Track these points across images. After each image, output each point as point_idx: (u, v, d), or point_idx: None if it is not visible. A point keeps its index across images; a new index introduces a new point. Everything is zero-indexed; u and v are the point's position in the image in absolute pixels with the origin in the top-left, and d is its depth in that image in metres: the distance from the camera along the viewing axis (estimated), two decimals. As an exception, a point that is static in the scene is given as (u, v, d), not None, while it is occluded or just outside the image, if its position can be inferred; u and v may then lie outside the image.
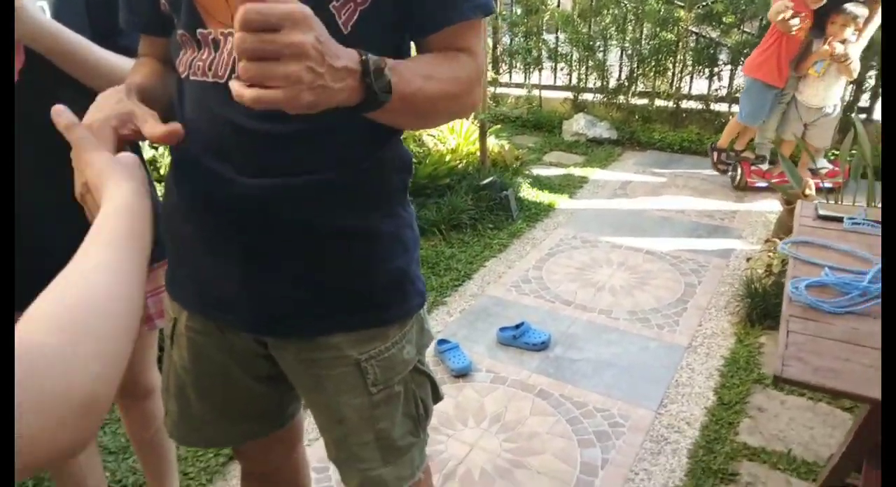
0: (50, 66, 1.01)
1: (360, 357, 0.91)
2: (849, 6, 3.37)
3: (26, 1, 0.96)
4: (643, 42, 4.93)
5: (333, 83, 0.61)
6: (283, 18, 0.56)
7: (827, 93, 3.56)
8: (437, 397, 1.05)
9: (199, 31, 0.79)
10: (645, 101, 5.05)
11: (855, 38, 3.43)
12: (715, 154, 4.17)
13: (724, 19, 4.54)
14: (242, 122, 0.79)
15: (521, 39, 5.46)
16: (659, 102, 5.00)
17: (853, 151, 2.92)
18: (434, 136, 3.96)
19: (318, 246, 0.86)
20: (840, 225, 1.58)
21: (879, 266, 1.33)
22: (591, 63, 5.18)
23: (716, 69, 4.78)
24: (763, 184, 3.89)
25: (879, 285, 1.27)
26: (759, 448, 1.93)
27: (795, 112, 3.68)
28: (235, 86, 0.59)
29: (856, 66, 3.44)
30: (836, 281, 1.30)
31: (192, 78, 0.82)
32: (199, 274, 0.92)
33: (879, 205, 2.35)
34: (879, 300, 1.24)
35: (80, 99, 0.90)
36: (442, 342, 2.43)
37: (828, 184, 3.36)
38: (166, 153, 2.70)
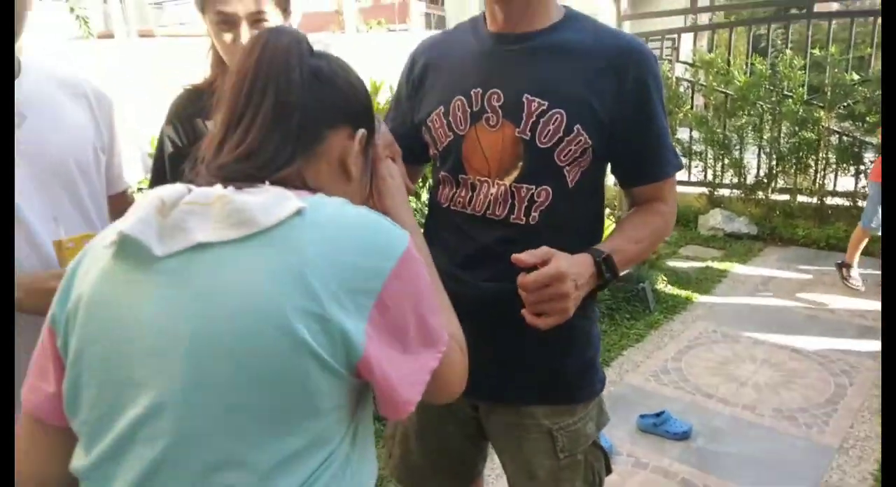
0: None
1: (552, 426, 1.15)
2: None
3: None
4: (782, 140, 4.99)
5: (583, 291, 0.98)
6: (545, 280, 0.92)
7: None
8: (609, 470, 1.25)
9: (460, 175, 1.14)
10: (786, 197, 5.03)
11: None
12: (843, 270, 3.95)
13: (867, 118, 4.53)
14: (484, 242, 1.12)
15: (655, 138, 5.69)
16: (802, 198, 4.96)
17: None
18: (572, 230, 4.22)
19: (529, 337, 1.05)
20: None
21: None
22: (726, 160, 5.28)
23: (862, 166, 4.71)
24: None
25: None
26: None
27: None
28: (528, 317, 0.95)
29: None
30: None
31: (451, 208, 1.15)
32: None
33: None
34: None
35: None
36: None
37: None
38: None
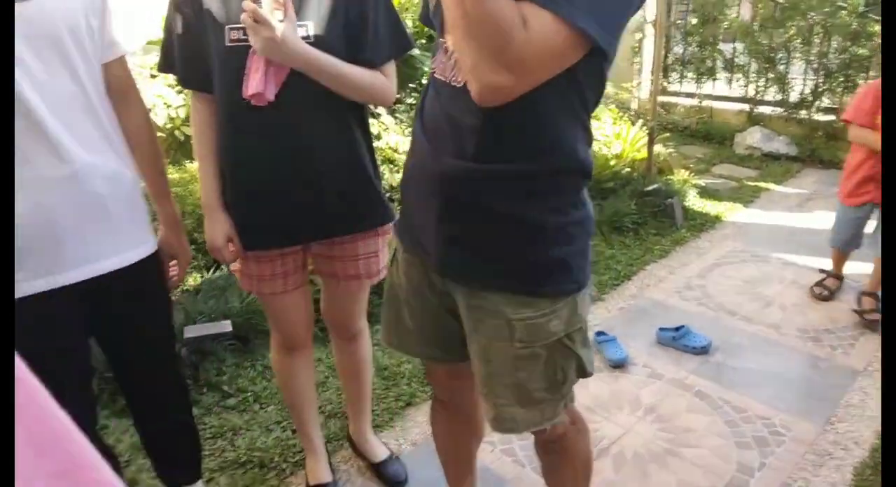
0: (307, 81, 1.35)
1: (511, 315, 1.10)
2: None
3: (290, 35, 1.27)
4: (831, 56, 4.66)
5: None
6: None
7: None
8: (583, 373, 1.19)
9: (440, 40, 1.06)
10: (830, 117, 4.77)
11: None
12: (864, 299, 2.73)
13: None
14: (450, 113, 1.04)
15: (696, 48, 5.37)
16: (847, 120, 4.70)
17: None
18: (599, 141, 4.06)
19: (493, 223, 1.06)
20: None
21: None
22: (770, 75, 4.98)
23: (918, 87, 4.41)
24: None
25: None
26: (936, 478, 1.86)
27: None
28: None
29: None
30: None
31: (435, 76, 1.08)
32: (413, 221, 1.19)
33: None
34: None
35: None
36: (600, 334, 2.55)
37: None
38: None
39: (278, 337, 1.70)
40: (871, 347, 2.51)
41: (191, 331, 2.20)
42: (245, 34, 1.30)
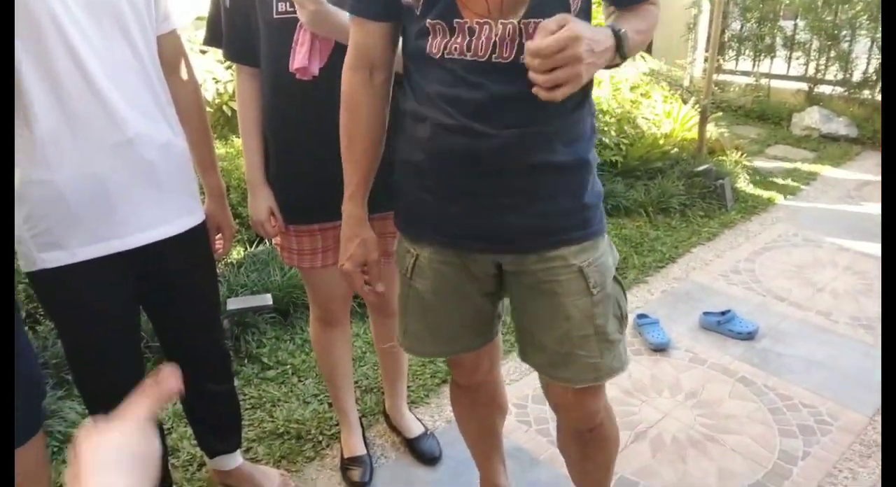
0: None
1: (581, 264, 1.13)
2: None
3: (333, 7, 1.27)
4: (903, 31, 4.39)
5: (599, 60, 0.94)
6: (562, 43, 0.87)
7: None
8: (626, 303, 1.26)
9: (455, 20, 1.01)
10: None
11: None
12: None
13: None
14: (496, 88, 1.03)
15: (754, 24, 5.14)
16: (915, 100, 4.44)
17: None
18: (649, 119, 3.95)
19: (553, 178, 1.10)
20: None
21: None
22: (832, 53, 4.74)
23: None
24: None
25: None
26: None
27: None
28: (542, 94, 0.91)
29: None
30: None
31: (447, 57, 1.04)
32: (448, 212, 1.14)
33: None
34: None
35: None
36: (641, 316, 2.50)
37: None
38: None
39: (317, 311, 1.72)
40: None
41: (233, 304, 2.26)
42: (292, 6, 1.31)
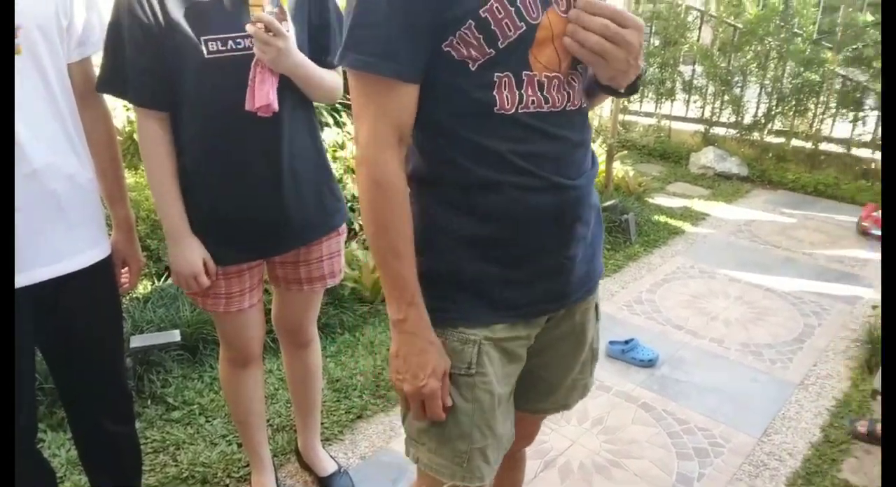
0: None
1: (596, 298, 1.22)
2: None
3: (293, 45, 1.32)
4: (784, 80, 4.85)
5: (637, 65, 0.96)
6: (617, 15, 0.91)
7: None
8: None
9: (524, 73, 0.95)
10: (781, 140, 4.95)
11: None
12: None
13: (874, 63, 4.39)
14: (573, 137, 1.02)
15: (656, 70, 5.52)
16: (796, 142, 4.89)
17: None
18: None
19: (592, 226, 1.11)
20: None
21: None
22: (726, 97, 5.15)
23: (860, 113, 4.61)
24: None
25: None
26: (862, 487, 1.95)
27: None
28: (574, 47, 0.94)
29: None
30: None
31: (521, 111, 0.96)
32: (518, 283, 1.05)
33: None
34: None
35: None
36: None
37: None
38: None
39: (231, 353, 1.66)
40: (808, 361, 2.60)
41: (137, 341, 2.18)
42: (225, 45, 1.31)
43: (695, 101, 5.45)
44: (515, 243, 1.02)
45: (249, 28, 1.28)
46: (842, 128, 4.78)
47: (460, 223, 1.01)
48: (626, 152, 4.98)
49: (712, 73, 5.14)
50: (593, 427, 2.20)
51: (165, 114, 1.37)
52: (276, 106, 1.34)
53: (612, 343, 2.62)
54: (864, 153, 4.66)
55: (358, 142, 0.96)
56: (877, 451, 2.10)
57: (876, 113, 4.58)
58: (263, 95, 1.32)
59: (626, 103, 5.68)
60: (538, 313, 1.10)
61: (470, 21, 0.89)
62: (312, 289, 1.65)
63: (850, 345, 2.70)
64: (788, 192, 4.67)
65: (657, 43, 5.49)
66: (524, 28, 0.92)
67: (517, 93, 0.95)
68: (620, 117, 5.40)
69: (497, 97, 0.94)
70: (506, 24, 0.91)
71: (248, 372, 1.69)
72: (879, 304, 2.86)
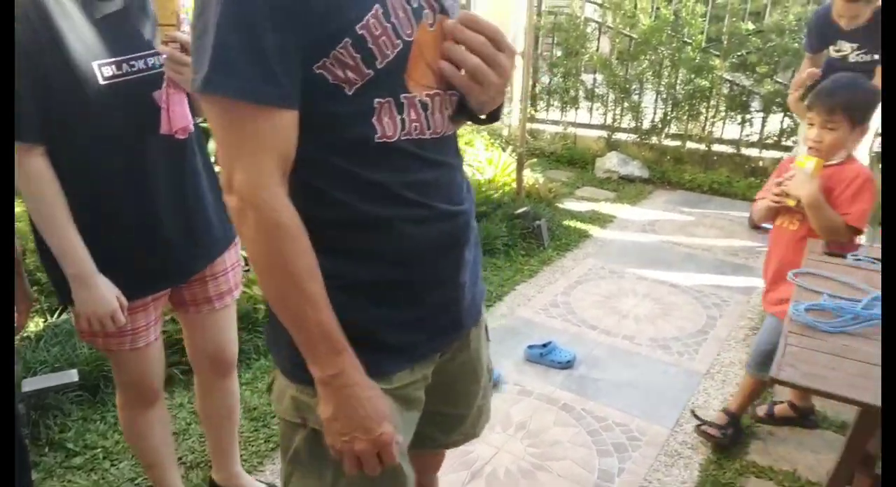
0: None
1: (485, 317, 1.22)
2: None
3: None
4: (678, 87, 5.14)
5: (504, 92, 0.94)
6: (495, 33, 0.87)
7: None
8: None
9: (402, 96, 0.88)
10: (677, 143, 5.24)
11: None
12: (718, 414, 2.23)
13: (757, 69, 4.74)
14: (453, 162, 0.99)
15: (560, 79, 5.72)
16: (691, 145, 5.18)
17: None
18: (473, 166, 4.20)
19: (477, 246, 1.09)
20: (844, 260, 1.74)
21: (873, 295, 1.50)
22: (626, 104, 5.41)
23: (748, 116, 4.96)
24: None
25: (872, 311, 1.43)
26: (766, 466, 2.07)
27: None
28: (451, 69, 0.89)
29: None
30: (833, 305, 1.46)
31: (404, 138, 0.89)
32: (415, 323, 0.99)
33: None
34: (870, 323, 1.40)
35: None
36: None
37: None
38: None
39: (132, 392, 1.56)
40: (712, 351, 2.75)
41: (30, 384, 2.02)
42: (121, 69, 1.26)
43: (597, 109, 5.68)
44: (409, 281, 0.95)
45: (164, 48, 1.22)
46: (731, 130, 5.12)
47: (343, 268, 0.91)
48: (535, 160, 5.12)
49: (612, 82, 5.38)
50: (517, 433, 2.23)
51: (45, 148, 1.26)
52: (192, 126, 1.32)
53: (530, 347, 2.67)
54: (752, 152, 5.00)
55: (233, 185, 0.82)
56: (778, 431, 2.24)
57: (761, 115, 4.93)
58: (181, 117, 1.29)
59: (532, 112, 5.84)
60: (437, 349, 1.05)
61: (346, 39, 0.81)
62: (224, 304, 1.61)
63: (748, 334, 2.88)
64: (686, 192, 4.94)
65: (559, 53, 5.70)
66: (401, 46, 0.86)
67: (398, 118, 0.88)
68: (528, 126, 5.55)
69: (377, 125, 0.87)
70: (383, 41, 0.84)
71: (154, 412, 1.60)
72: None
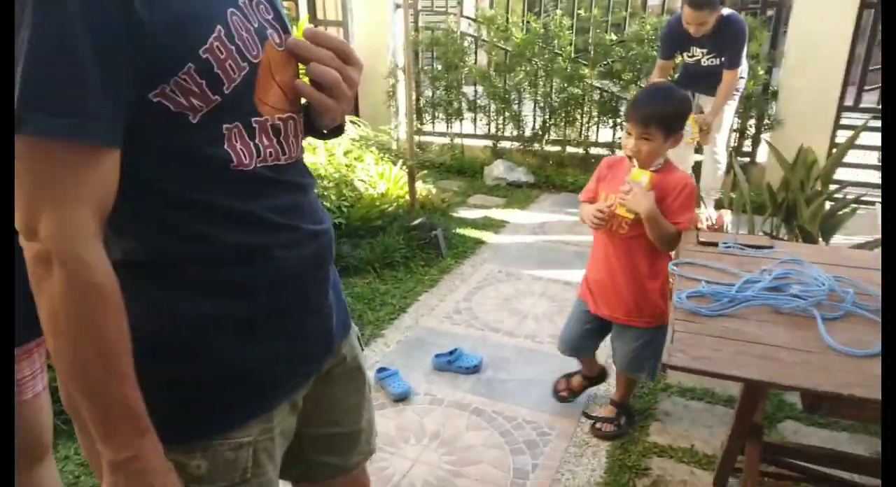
0: None
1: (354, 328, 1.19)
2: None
3: None
4: (553, 95, 5.42)
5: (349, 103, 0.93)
6: (344, 46, 0.88)
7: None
8: None
9: (254, 120, 0.84)
10: (557, 148, 5.51)
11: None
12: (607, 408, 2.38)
13: (622, 76, 5.10)
14: (307, 182, 0.97)
15: (443, 92, 5.85)
16: (570, 149, 5.47)
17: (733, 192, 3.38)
18: (364, 181, 4.19)
19: (334, 267, 1.07)
20: (716, 248, 1.91)
21: (745, 278, 1.65)
22: (507, 114, 5.62)
23: (618, 119, 5.31)
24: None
25: (746, 293, 1.58)
26: (666, 445, 2.21)
27: None
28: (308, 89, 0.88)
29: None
30: (711, 291, 1.60)
31: (260, 165, 0.85)
32: (283, 355, 0.94)
33: (760, 233, 2.76)
34: (745, 304, 1.55)
35: None
36: (381, 370, 2.60)
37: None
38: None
39: (18, 454, 1.37)
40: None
41: None
42: None
43: (481, 119, 5.86)
44: (283, 310, 0.92)
45: None
46: (605, 134, 5.46)
47: (215, 308, 0.85)
48: (426, 172, 5.18)
49: (492, 93, 5.57)
50: (431, 442, 2.24)
51: None
52: None
53: (437, 356, 2.70)
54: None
55: (39, 233, 0.70)
56: (673, 410, 2.41)
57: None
58: None
59: (419, 125, 5.92)
60: (312, 374, 1.02)
61: (189, 64, 0.75)
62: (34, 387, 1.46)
63: (638, 322, 3.07)
64: (570, 194, 5.19)
65: (440, 67, 5.82)
66: (247, 68, 0.81)
67: (251, 144, 0.84)
68: (416, 139, 5.62)
69: (231, 152, 0.82)
70: (230, 65, 0.79)
71: (44, 468, 1.45)
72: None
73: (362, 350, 1.21)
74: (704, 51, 3.99)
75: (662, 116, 1.98)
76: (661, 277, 2.13)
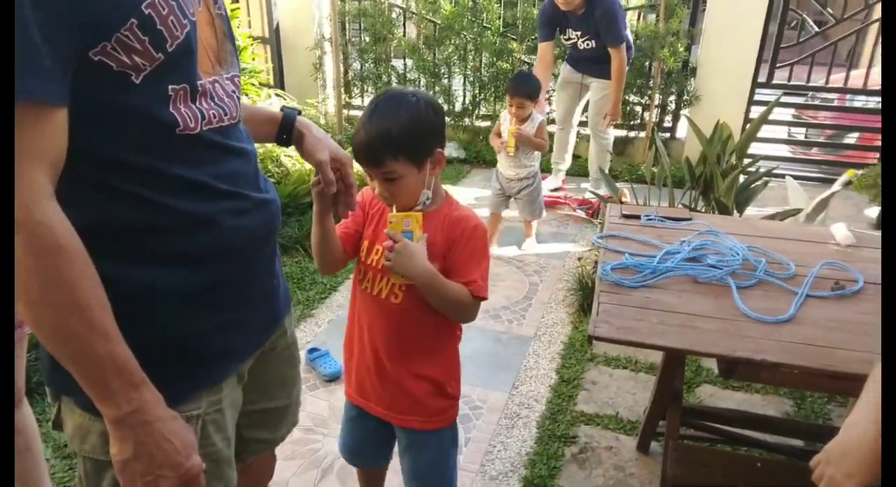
0: None
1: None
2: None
3: None
4: (483, 70, 5.40)
5: None
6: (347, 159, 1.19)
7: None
8: None
9: (198, 82, 0.82)
10: (488, 124, 5.51)
11: (541, 111, 3.41)
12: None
13: (550, 51, 5.12)
14: (249, 148, 0.95)
15: (372, 65, 5.72)
16: (500, 124, 5.49)
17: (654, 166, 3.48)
18: (292, 157, 4.06)
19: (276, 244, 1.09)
20: (638, 221, 1.96)
21: (665, 250, 1.70)
22: (437, 88, 5.56)
23: (546, 95, 5.35)
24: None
25: (665, 264, 1.63)
26: (593, 414, 2.28)
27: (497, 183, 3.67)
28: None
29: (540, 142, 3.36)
30: (634, 263, 1.64)
31: (206, 128, 0.84)
32: (240, 323, 0.95)
33: (679, 205, 2.86)
34: (665, 275, 1.60)
35: None
36: (312, 350, 2.55)
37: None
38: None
39: None
40: (537, 315, 2.96)
41: None
42: None
43: (411, 93, 5.78)
44: (233, 279, 0.91)
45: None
46: (533, 109, 5.50)
47: (166, 277, 0.84)
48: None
49: (422, 66, 5.50)
50: (365, 421, 2.22)
51: None
52: None
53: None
54: (552, 128, 5.42)
55: None
56: (600, 378, 2.48)
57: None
58: None
59: (347, 99, 5.78)
60: (260, 345, 1.02)
61: (132, 20, 0.73)
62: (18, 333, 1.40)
63: (566, 294, 3.14)
64: (501, 169, 5.23)
65: (368, 39, 5.69)
66: (189, 26, 0.79)
67: (194, 107, 0.82)
68: (345, 113, 5.49)
69: (176, 114, 0.79)
70: (172, 22, 0.77)
71: (20, 414, 1.45)
72: (583, 256, 3.37)
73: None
74: (579, 34, 4.00)
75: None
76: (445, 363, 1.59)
